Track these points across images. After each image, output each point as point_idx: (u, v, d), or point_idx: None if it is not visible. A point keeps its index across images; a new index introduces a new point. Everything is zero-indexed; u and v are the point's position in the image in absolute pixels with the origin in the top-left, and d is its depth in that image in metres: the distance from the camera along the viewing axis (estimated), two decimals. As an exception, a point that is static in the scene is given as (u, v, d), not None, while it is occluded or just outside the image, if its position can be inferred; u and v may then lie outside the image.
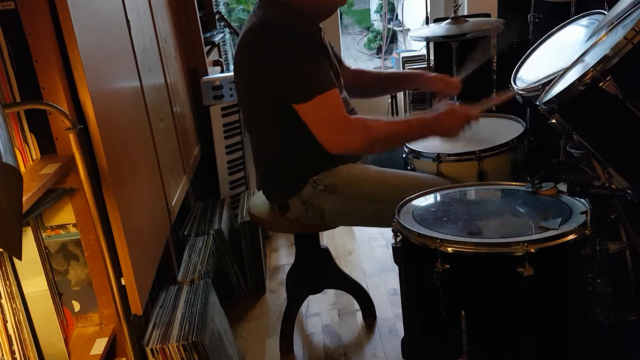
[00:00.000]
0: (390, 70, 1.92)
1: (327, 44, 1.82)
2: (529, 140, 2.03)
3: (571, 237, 1.29)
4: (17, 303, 1.27)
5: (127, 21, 1.73)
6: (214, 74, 2.88)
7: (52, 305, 1.38)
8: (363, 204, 1.82)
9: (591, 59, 1.33)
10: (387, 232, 1.51)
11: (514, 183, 1.61)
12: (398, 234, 1.45)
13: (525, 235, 1.31)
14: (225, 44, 3.49)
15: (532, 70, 1.92)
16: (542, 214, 1.41)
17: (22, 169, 1.28)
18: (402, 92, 3.76)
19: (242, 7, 6.41)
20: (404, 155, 2.02)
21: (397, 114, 3.72)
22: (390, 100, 3.67)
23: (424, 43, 3.32)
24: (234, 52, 3.75)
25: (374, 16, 9.20)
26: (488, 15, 3.04)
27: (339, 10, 3.05)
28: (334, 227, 2.00)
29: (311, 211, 1.86)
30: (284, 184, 1.90)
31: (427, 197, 1.61)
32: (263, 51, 1.72)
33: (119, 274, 1.42)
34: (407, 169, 2.02)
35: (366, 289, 2.32)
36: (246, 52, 1.79)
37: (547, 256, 1.27)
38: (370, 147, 1.78)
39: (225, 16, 3.45)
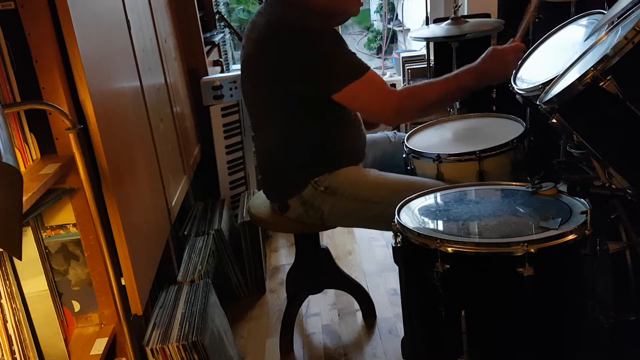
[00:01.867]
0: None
1: None
2: (529, 140, 2.02)
3: (571, 237, 1.29)
4: (17, 303, 1.27)
5: (127, 21, 1.73)
6: (214, 74, 2.89)
7: (52, 305, 1.38)
8: (362, 207, 1.82)
9: (591, 59, 1.33)
10: (387, 232, 1.51)
11: (514, 183, 1.61)
12: (398, 234, 1.45)
13: (525, 235, 1.31)
14: (225, 44, 3.49)
15: (532, 70, 1.92)
16: (542, 214, 1.41)
17: (22, 169, 1.28)
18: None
19: (242, 7, 6.41)
20: (404, 156, 2.02)
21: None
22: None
23: (424, 43, 3.33)
24: (234, 52, 3.75)
25: (374, 16, 9.20)
26: (488, 16, 3.04)
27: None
28: (334, 227, 2.00)
29: (311, 211, 1.87)
30: (285, 184, 1.90)
31: (427, 197, 1.61)
32: (283, 51, 1.72)
33: (119, 274, 1.42)
34: (407, 169, 2.02)
35: (366, 289, 2.32)
36: (260, 53, 1.78)
37: (547, 256, 1.27)
38: (428, 109, 1.86)
39: (225, 16, 3.45)
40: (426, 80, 1.85)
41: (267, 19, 1.76)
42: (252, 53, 1.81)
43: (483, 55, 1.81)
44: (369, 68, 1.74)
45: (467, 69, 1.82)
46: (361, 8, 1.88)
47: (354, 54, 1.76)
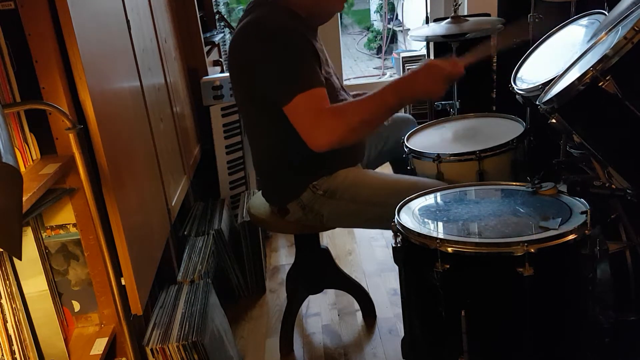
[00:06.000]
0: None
1: (319, 50, 1.76)
2: (529, 140, 2.03)
3: (571, 237, 1.29)
4: (17, 303, 1.27)
5: (127, 21, 1.73)
6: (214, 74, 2.89)
7: (52, 305, 1.38)
8: (362, 208, 1.81)
9: (591, 59, 1.33)
10: (387, 232, 1.52)
11: (514, 183, 1.61)
12: (398, 234, 1.45)
13: (525, 235, 1.31)
14: (225, 44, 3.49)
15: (532, 70, 1.92)
16: (542, 214, 1.41)
17: (22, 169, 1.28)
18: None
19: (242, 7, 6.42)
20: (404, 156, 2.03)
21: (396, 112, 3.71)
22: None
23: (424, 43, 3.33)
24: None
25: (374, 16, 9.21)
26: (488, 15, 3.04)
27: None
28: (334, 228, 2.00)
29: (310, 215, 1.86)
30: (283, 189, 1.89)
31: (427, 197, 1.61)
32: (249, 52, 1.71)
33: (119, 274, 1.42)
34: (407, 169, 2.02)
35: (366, 289, 2.32)
36: (234, 54, 1.79)
37: (547, 256, 1.27)
38: (353, 132, 1.64)
39: (225, 16, 3.46)
40: (351, 100, 1.70)
41: (247, 19, 1.75)
42: (231, 56, 1.81)
43: (416, 66, 1.65)
44: (320, 84, 1.64)
45: (393, 85, 1.66)
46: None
47: (314, 68, 1.66)
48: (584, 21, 1.90)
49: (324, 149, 1.64)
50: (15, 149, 1.27)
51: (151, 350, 1.61)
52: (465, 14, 3.37)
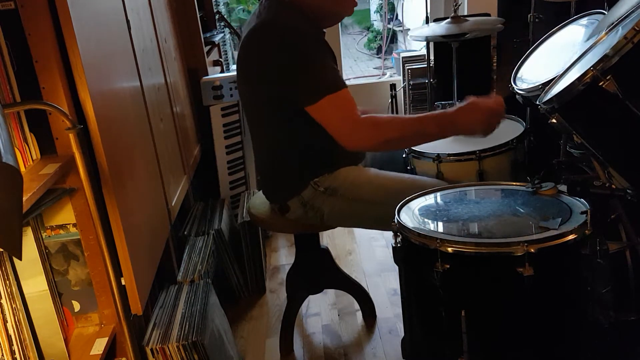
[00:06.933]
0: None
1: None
2: (529, 140, 2.03)
3: (571, 237, 1.29)
4: (17, 303, 1.27)
5: (127, 21, 1.73)
6: (214, 74, 2.89)
7: (52, 305, 1.38)
8: (363, 207, 1.82)
9: (591, 59, 1.33)
10: (387, 232, 1.52)
11: (514, 183, 1.61)
12: (398, 234, 1.45)
13: (525, 235, 1.31)
14: (225, 44, 3.49)
15: (532, 70, 1.92)
16: (542, 214, 1.41)
17: (22, 169, 1.28)
18: (401, 92, 3.77)
19: (242, 7, 6.43)
20: (404, 155, 2.03)
21: (397, 113, 3.72)
22: (390, 100, 3.67)
23: (424, 43, 3.33)
24: (234, 52, 3.76)
25: (374, 16, 9.22)
26: (488, 15, 3.04)
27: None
28: (334, 227, 2.00)
29: (311, 213, 1.86)
30: (284, 185, 1.90)
31: (427, 197, 1.61)
32: (267, 52, 1.71)
33: (119, 274, 1.42)
34: (407, 169, 2.02)
35: (366, 289, 2.32)
36: (249, 53, 1.78)
37: (547, 256, 1.27)
38: (384, 145, 1.72)
39: (225, 16, 3.45)
40: (391, 115, 1.74)
41: (259, 20, 1.75)
42: (241, 54, 1.81)
43: (459, 105, 1.67)
44: (345, 86, 1.69)
45: (437, 115, 1.70)
46: (361, 8, 1.87)
47: (335, 68, 1.72)
48: (584, 21, 1.90)
49: (354, 150, 1.75)
50: (15, 149, 1.27)
51: (151, 350, 1.61)
52: (466, 13, 3.37)
